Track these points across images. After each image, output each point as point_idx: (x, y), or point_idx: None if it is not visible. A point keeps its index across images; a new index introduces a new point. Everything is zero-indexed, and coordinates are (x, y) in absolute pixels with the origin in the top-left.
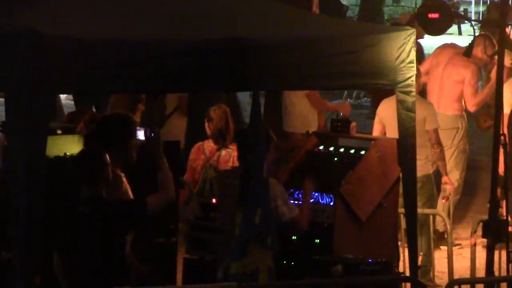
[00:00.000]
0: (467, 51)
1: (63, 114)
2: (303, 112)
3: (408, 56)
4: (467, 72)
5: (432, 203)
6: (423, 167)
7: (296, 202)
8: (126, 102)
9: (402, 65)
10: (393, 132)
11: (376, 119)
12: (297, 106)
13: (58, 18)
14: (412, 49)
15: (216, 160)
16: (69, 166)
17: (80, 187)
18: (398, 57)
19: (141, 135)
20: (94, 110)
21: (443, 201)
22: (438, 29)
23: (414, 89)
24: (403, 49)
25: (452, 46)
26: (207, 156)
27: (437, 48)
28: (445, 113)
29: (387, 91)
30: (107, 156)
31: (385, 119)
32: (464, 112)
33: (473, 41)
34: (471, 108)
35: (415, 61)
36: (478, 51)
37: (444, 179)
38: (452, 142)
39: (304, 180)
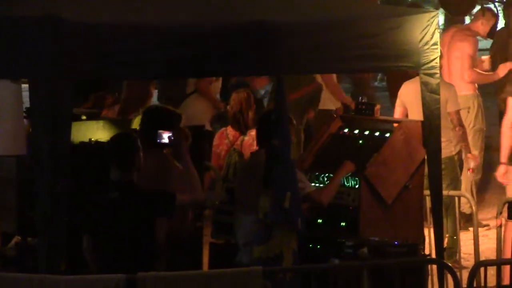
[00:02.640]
0: (490, 33)
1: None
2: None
3: (432, 38)
4: (464, 45)
5: (456, 185)
6: (445, 149)
7: (321, 185)
8: (139, 86)
9: (426, 47)
10: (416, 114)
11: (398, 102)
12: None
13: (80, 4)
14: (436, 31)
15: (240, 144)
16: (95, 151)
17: (108, 172)
18: (422, 39)
19: (165, 138)
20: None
21: (468, 173)
22: (461, 10)
23: (438, 71)
24: (426, 31)
25: (455, 26)
26: (230, 141)
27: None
28: None
29: (403, 75)
30: (139, 141)
31: (407, 102)
32: (477, 91)
33: (496, 22)
34: (466, 80)
35: (439, 43)
36: (478, 24)
37: (468, 155)
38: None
39: (341, 161)
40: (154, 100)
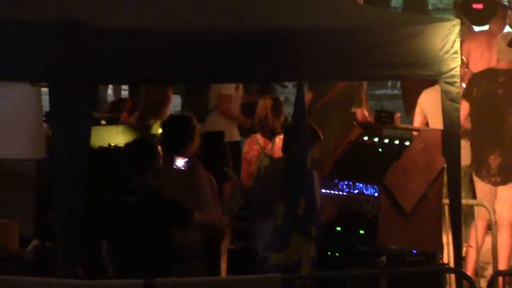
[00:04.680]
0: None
1: (106, 104)
2: None
3: (452, 46)
4: (470, 46)
5: (475, 194)
6: (465, 157)
7: (340, 192)
8: (158, 91)
9: (446, 55)
10: (436, 123)
11: (417, 110)
12: None
13: (101, 9)
14: (457, 39)
15: (271, 148)
16: (114, 156)
17: (128, 177)
18: (443, 47)
19: (180, 163)
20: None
21: None
22: (482, 19)
23: (458, 80)
24: (447, 39)
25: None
26: (261, 146)
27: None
28: None
29: (418, 83)
30: (159, 147)
31: (427, 110)
32: None
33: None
34: None
35: (459, 52)
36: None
37: None
38: None
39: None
40: (178, 109)
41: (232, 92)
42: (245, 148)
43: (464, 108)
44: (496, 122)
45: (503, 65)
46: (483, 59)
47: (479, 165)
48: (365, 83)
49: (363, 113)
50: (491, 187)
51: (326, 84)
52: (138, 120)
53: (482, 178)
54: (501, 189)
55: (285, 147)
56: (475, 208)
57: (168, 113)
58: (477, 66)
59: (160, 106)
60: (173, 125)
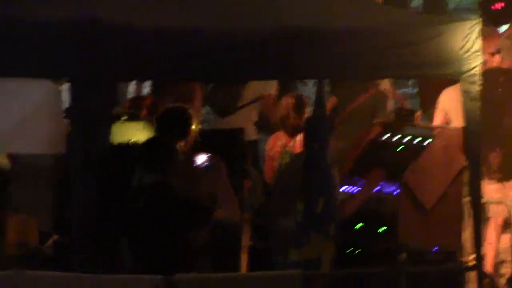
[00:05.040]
0: None
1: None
2: None
3: (473, 45)
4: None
5: None
6: None
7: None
8: (184, 88)
9: (466, 55)
10: (457, 121)
11: (438, 109)
12: None
13: (121, 7)
14: (478, 38)
15: (292, 146)
16: (134, 152)
17: (146, 173)
18: (463, 47)
19: (200, 160)
20: None
21: None
22: (502, 19)
23: (479, 79)
24: (468, 38)
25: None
26: (283, 143)
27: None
28: None
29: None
30: (177, 144)
31: (448, 109)
32: None
33: None
34: None
35: (480, 51)
36: None
37: None
38: None
39: (372, 168)
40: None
41: (274, 91)
42: (268, 145)
43: None
44: (496, 120)
45: (505, 65)
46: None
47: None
48: (391, 86)
49: None
50: (498, 186)
51: (350, 92)
52: None
53: (483, 177)
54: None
55: (307, 143)
56: (490, 206)
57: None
58: None
59: (190, 101)
60: (168, 118)
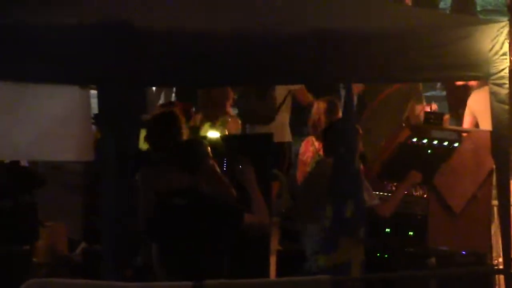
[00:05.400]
0: None
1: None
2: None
3: (501, 48)
4: None
5: None
6: None
7: (389, 194)
8: (217, 91)
9: (495, 57)
10: (485, 124)
11: (467, 111)
12: None
13: (150, 11)
14: (506, 41)
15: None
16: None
17: (177, 177)
18: (491, 49)
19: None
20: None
21: None
22: None
23: (507, 81)
24: (496, 41)
25: None
26: (316, 148)
27: None
28: None
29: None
30: (208, 147)
31: (477, 111)
32: None
33: None
34: None
35: (508, 53)
36: None
37: None
38: None
39: (401, 172)
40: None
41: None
42: (301, 149)
43: None
44: None
45: None
46: None
47: None
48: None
49: (423, 108)
50: None
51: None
52: (201, 122)
53: None
54: None
55: (328, 148)
56: None
57: (230, 112)
58: None
59: (222, 106)
60: (159, 121)
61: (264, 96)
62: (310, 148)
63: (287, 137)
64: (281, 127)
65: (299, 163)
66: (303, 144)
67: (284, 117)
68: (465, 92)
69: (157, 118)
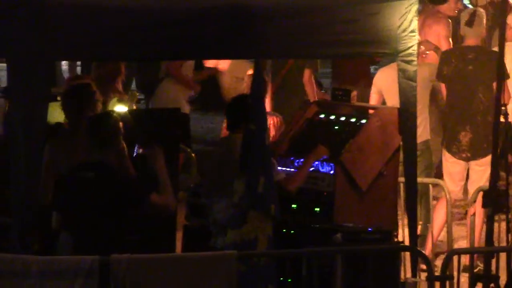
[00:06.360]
0: (469, 21)
1: (62, 80)
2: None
3: (410, 25)
4: (439, 28)
5: (430, 172)
6: (421, 133)
7: (296, 170)
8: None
9: (403, 34)
10: (392, 101)
11: (373, 89)
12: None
13: None
14: (414, 18)
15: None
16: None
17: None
18: (400, 25)
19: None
20: None
21: None
22: None
23: (415, 58)
24: (405, 17)
25: (424, 11)
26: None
27: None
28: None
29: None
30: (120, 123)
31: (384, 89)
32: None
33: (474, 11)
34: None
35: (416, 30)
36: (445, 6)
37: None
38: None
39: (308, 148)
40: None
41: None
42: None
43: (442, 88)
44: (467, 98)
45: (471, 42)
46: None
47: (450, 141)
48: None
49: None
50: (462, 167)
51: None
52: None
53: (453, 154)
54: (474, 170)
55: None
56: (447, 186)
57: (121, 87)
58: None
59: (113, 81)
60: (72, 94)
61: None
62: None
63: (184, 109)
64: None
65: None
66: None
67: (173, 87)
68: (351, 69)
69: (73, 90)
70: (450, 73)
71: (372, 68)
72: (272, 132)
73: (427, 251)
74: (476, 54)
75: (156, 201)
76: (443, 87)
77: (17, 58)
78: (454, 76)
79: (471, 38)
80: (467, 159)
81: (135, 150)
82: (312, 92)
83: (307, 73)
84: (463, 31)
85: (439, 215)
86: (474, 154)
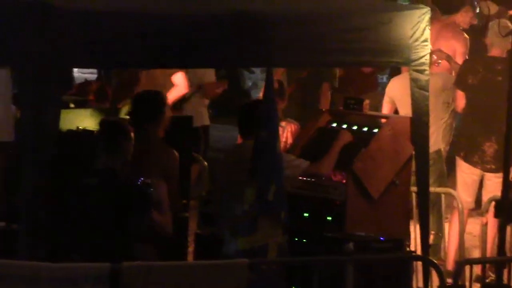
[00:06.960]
0: (483, 30)
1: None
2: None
3: (422, 34)
4: (458, 44)
5: (442, 181)
6: (434, 143)
7: (308, 178)
8: (128, 73)
9: (416, 43)
10: (405, 110)
11: (386, 98)
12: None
13: None
14: (427, 27)
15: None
16: (82, 139)
17: (94, 159)
18: (413, 35)
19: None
20: None
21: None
22: (452, 7)
23: (428, 68)
24: (417, 27)
25: (437, 19)
26: None
27: None
28: None
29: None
30: (130, 130)
31: (396, 98)
32: None
33: (487, 21)
34: None
35: (429, 40)
36: (458, 16)
37: None
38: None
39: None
40: None
41: (213, 78)
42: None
43: (460, 96)
44: (493, 109)
45: (497, 52)
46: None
47: (471, 151)
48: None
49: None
50: (478, 178)
51: None
52: (111, 103)
53: (474, 165)
54: (492, 181)
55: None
56: (460, 196)
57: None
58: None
59: (130, 89)
60: (144, 99)
61: None
62: None
63: (205, 120)
64: (198, 111)
65: None
66: None
67: (200, 101)
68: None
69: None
70: (476, 83)
71: (384, 78)
72: (289, 140)
73: (449, 264)
74: (503, 65)
75: (156, 218)
76: (460, 95)
77: (27, 64)
78: (481, 86)
79: (498, 49)
80: (490, 171)
81: (139, 180)
82: (326, 106)
83: (325, 86)
84: (490, 40)
85: (455, 226)
86: (499, 166)
